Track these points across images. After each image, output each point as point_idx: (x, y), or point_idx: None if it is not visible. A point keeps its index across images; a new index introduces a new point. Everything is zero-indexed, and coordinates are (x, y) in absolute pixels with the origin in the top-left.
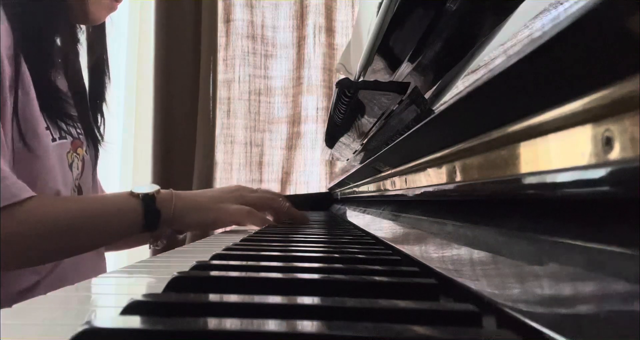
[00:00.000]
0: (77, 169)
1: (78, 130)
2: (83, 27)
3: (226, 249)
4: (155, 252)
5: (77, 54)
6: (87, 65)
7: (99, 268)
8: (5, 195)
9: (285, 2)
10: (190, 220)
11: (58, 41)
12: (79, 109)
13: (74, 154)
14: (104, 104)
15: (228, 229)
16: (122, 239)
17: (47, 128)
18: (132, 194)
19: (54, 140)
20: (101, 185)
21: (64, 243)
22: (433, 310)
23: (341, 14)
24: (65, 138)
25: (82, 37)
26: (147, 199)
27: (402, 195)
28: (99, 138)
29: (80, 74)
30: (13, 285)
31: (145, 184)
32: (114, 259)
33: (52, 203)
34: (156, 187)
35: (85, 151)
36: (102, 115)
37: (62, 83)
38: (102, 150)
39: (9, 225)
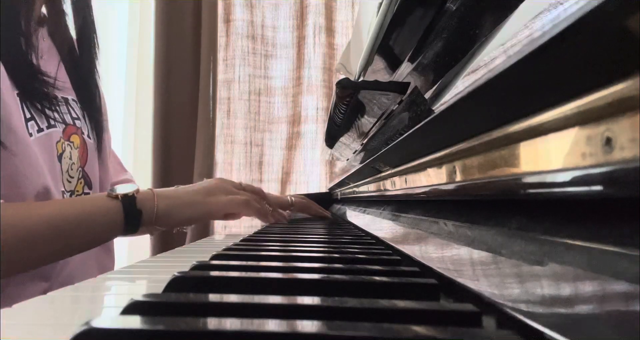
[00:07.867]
0: (71, 158)
1: (73, 115)
2: None
3: (226, 249)
4: (155, 252)
5: (64, 27)
6: (75, 36)
7: (107, 271)
8: None
9: (285, 2)
10: (178, 217)
11: (32, 19)
12: (76, 88)
13: (67, 142)
14: (97, 77)
15: (227, 222)
16: (104, 243)
17: (31, 119)
18: (109, 195)
19: (40, 130)
20: (118, 165)
21: (40, 250)
22: (433, 310)
23: (341, 14)
24: (55, 126)
25: (68, 8)
26: (127, 200)
27: (402, 195)
28: (98, 115)
29: (74, 49)
30: (22, 295)
31: (123, 185)
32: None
33: (19, 211)
34: (135, 187)
35: (88, 136)
36: (98, 89)
37: (49, 64)
38: (106, 135)
39: None
